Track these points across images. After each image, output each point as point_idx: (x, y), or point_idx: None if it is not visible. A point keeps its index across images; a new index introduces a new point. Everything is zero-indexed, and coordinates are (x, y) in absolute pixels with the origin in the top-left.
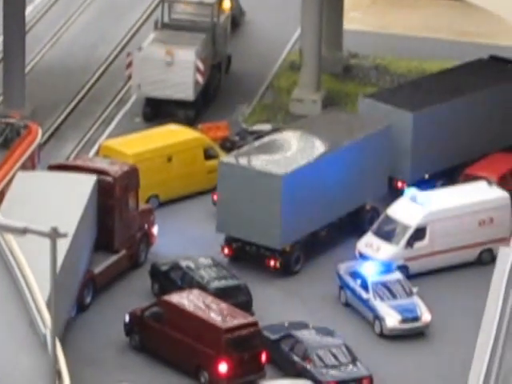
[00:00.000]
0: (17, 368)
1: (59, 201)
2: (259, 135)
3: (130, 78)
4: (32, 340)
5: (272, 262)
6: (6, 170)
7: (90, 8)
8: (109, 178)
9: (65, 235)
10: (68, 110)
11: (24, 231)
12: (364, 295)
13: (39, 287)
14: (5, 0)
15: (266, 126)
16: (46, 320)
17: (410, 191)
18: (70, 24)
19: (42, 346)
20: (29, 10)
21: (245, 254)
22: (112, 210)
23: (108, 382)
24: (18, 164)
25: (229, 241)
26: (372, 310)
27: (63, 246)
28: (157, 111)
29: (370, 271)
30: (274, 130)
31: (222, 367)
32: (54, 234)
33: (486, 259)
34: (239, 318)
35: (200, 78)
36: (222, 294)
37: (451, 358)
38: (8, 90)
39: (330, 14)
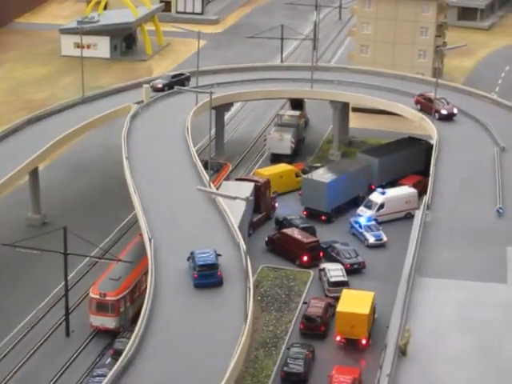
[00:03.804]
0: (227, 254)
1: (239, 192)
2: (316, 168)
3: (265, 145)
4: (231, 244)
5: (323, 217)
6: (218, 180)
7: (249, 116)
8: (258, 184)
9: (251, 200)
10: (239, 160)
11: (235, 198)
12: (360, 230)
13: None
14: (217, 113)
15: (318, 164)
16: (238, 233)
17: (377, 190)
18: (239, 123)
19: (237, 247)
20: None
21: (312, 214)
22: (260, 196)
23: (258, 264)
24: (223, 178)
25: (306, 209)
26: (363, 236)
27: (242, 206)
28: (276, 159)
29: (363, 220)
30: (321, 166)
31: (305, 258)
32: (247, 199)
33: (408, 216)
34: (311, 238)
35: (293, 145)
36: (304, 229)
37: (398, 254)
38: (218, 149)
39: (343, 119)
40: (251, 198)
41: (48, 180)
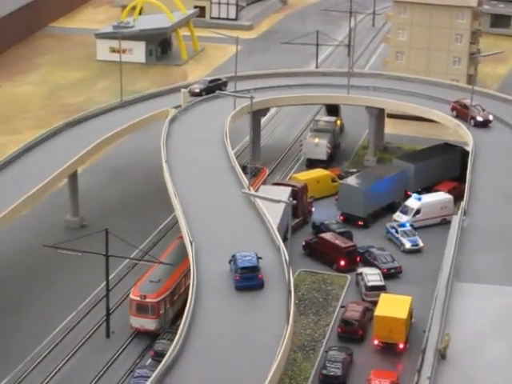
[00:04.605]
0: (267, 257)
1: (277, 196)
2: (352, 173)
3: (301, 150)
4: (271, 247)
5: (360, 222)
6: (256, 185)
7: (284, 121)
8: (296, 188)
9: (295, 203)
10: (275, 165)
11: (278, 201)
12: (396, 235)
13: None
14: (254, 118)
15: (354, 170)
16: (278, 237)
17: (413, 195)
18: (275, 128)
19: (277, 250)
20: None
21: (348, 219)
22: (297, 201)
23: (295, 268)
24: (260, 183)
25: (342, 214)
26: (399, 241)
27: (280, 210)
28: (311, 164)
29: (399, 225)
30: (358, 171)
31: (342, 263)
32: (290, 203)
33: (443, 222)
34: (348, 243)
35: (328, 150)
36: (341, 233)
37: (434, 259)
38: (254, 155)
39: (379, 125)
40: (294, 202)
41: (85, 183)
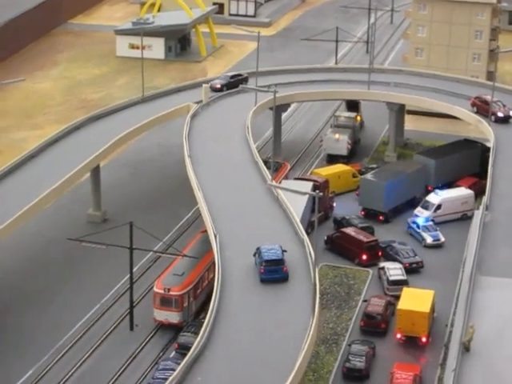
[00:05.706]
0: (291, 250)
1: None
2: (372, 168)
3: (321, 146)
4: (296, 240)
5: (381, 217)
6: (278, 179)
7: (304, 117)
8: (317, 183)
9: (320, 195)
10: (295, 160)
11: (304, 193)
12: (418, 230)
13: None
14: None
15: (374, 165)
16: (301, 230)
17: (434, 190)
18: (295, 124)
19: (301, 243)
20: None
21: (370, 214)
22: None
23: (317, 263)
24: (282, 177)
25: (364, 209)
26: (421, 236)
27: (302, 204)
28: (332, 159)
29: (420, 221)
30: (378, 167)
31: (364, 257)
32: (316, 195)
33: (464, 218)
34: (370, 237)
35: (349, 146)
36: (363, 228)
37: (455, 254)
38: (276, 150)
39: (399, 121)
40: (320, 194)
41: (107, 178)
